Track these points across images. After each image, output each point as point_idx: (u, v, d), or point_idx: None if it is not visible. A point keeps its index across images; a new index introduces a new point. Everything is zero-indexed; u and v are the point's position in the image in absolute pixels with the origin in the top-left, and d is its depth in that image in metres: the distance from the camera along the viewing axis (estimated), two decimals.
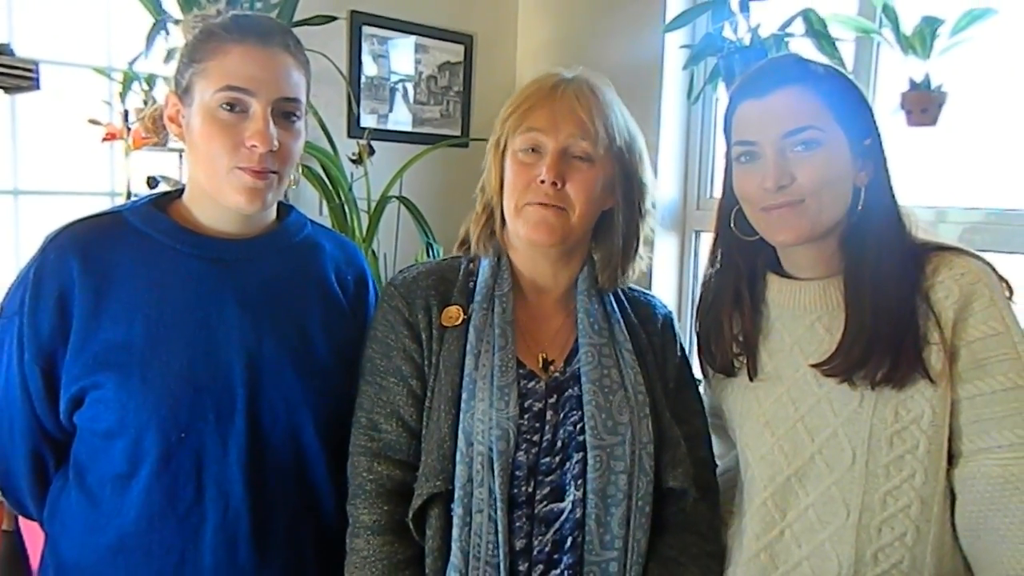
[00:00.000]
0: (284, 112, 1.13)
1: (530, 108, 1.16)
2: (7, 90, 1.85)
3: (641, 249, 1.25)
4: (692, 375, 1.30)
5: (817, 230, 1.12)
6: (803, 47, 1.90)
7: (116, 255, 1.12)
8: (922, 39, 1.78)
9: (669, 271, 2.47)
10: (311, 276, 1.24)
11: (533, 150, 1.15)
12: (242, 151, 1.10)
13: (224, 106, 1.09)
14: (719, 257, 1.25)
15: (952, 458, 1.10)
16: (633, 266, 1.25)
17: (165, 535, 1.11)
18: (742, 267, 1.22)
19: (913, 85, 1.81)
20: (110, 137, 2.06)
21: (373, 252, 2.26)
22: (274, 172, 1.13)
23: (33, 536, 1.48)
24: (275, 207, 1.25)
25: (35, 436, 1.16)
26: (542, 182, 1.13)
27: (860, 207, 1.12)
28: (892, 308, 1.08)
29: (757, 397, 1.20)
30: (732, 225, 1.20)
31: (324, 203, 2.20)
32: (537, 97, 1.16)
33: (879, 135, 1.13)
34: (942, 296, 1.07)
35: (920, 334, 1.08)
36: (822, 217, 1.11)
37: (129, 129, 2.06)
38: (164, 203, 1.20)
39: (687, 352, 1.32)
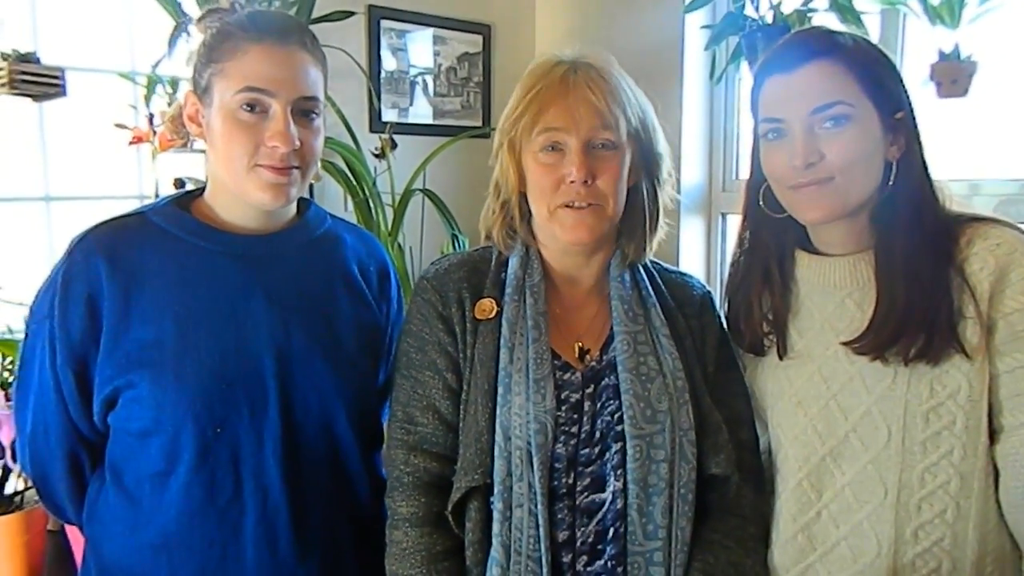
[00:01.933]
0: (303, 110, 1.13)
1: (543, 106, 1.12)
2: (35, 98, 1.88)
3: (661, 218, 1.23)
4: (733, 356, 1.27)
5: (847, 207, 1.10)
6: (827, 22, 1.86)
7: (142, 255, 1.13)
8: (950, 8, 1.73)
9: (696, 254, 2.45)
10: (334, 269, 1.25)
11: (553, 148, 1.13)
12: (263, 150, 1.10)
13: (244, 107, 1.10)
14: (748, 236, 1.23)
15: (994, 434, 1.07)
16: (656, 237, 1.23)
17: (206, 530, 1.13)
18: (771, 245, 1.20)
19: (942, 56, 1.76)
20: (137, 140, 2.08)
21: (399, 246, 2.27)
22: (296, 168, 1.13)
23: (78, 537, 1.51)
24: (295, 202, 1.25)
25: (71, 439, 1.17)
26: (572, 182, 1.11)
27: (891, 182, 1.10)
28: (925, 283, 1.06)
29: (788, 376, 1.19)
30: (761, 203, 1.18)
31: (349, 198, 2.20)
32: (548, 93, 1.12)
33: (911, 107, 1.10)
34: (977, 268, 1.05)
35: (955, 308, 1.05)
36: (852, 194, 1.09)
37: (155, 132, 2.08)
38: (186, 202, 1.21)
39: (727, 332, 1.29)
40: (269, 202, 1.13)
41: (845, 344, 1.11)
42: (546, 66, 1.16)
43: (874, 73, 1.08)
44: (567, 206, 1.13)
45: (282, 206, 1.17)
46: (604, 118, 1.11)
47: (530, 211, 1.20)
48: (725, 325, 1.28)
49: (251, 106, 1.09)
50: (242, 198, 1.15)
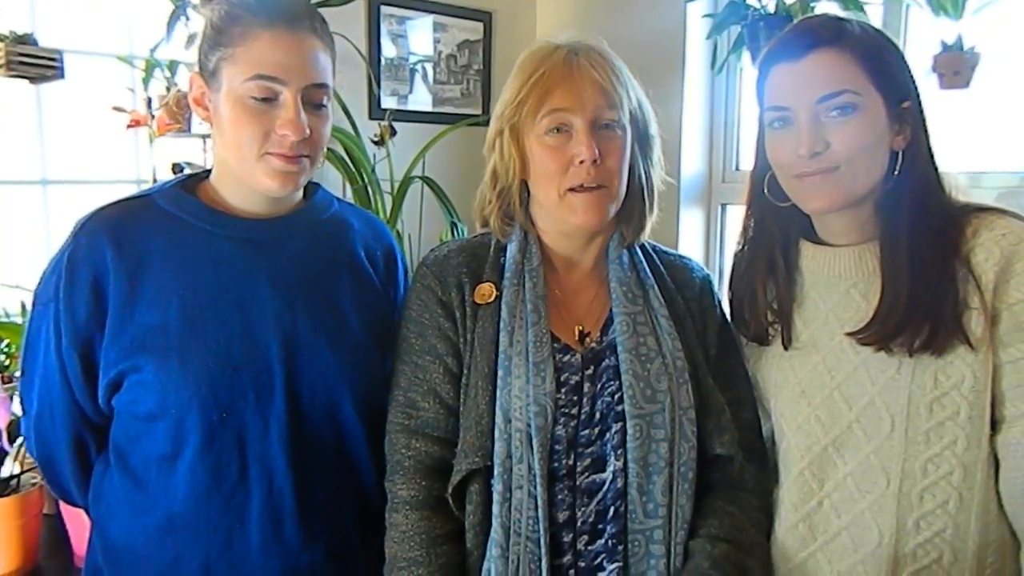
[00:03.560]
0: (313, 97, 1.12)
1: (548, 88, 1.12)
2: (32, 80, 1.87)
3: (656, 200, 1.24)
4: (734, 339, 1.28)
5: (852, 197, 1.10)
6: (830, 12, 1.86)
7: (148, 239, 1.12)
8: None
9: (695, 244, 2.45)
10: (341, 253, 1.24)
11: (559, 130, 1.13)
12: (273, 138, 1.09)
13: (254, 95, 1.08)
14: (752, 225, 1.23)
15: (995, 424, 1.08)
16: (653, 218, 1.24)
17: (212, 514, 1.12)
18: (776, 234, 1.20)
19: (945, 47, 1.76)
20: (135, 124, 2.07)
21: (398, 232, 2.26)
22: (305, 156, 1.12)
23: (74, 520, 1.51)
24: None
25: (76, 421, 1.17)
26: (581, 162, 1.12)
27: (897, 172, 1.09)
28: (930, 274, 1.06)
29: (792, 366, 1.19)
30: (766, 191, 1.18)
31: (347, 185, 2.20)
32: (553, 75, 1.12)
33: (918, 96, 1.10)
34: (982, 258, 1.05)
35: (960, 299, 1.05)
36: (857, 184, 1.08)
37: (153, 116, 2.07)
38: (191, 185, 1.20)
39: (727, 316, 1.30)
40: (277, 190, 1.13)
41: (850, 335, 1.11)
42: (545, 50, 1.16)
43: (881, 62, 1.07)
44: (574, 189, 1.13)
45: (290, 193, 1.16)
46: (610, 97, 1.12)
47: (527, 197, 1.21)
48: (729, 315, 1.29)
49: (263, 93, 1.08)
50: (250, 185, 1.14)
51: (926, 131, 1.10)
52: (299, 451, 1.14)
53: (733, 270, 1.28)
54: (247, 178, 1.13)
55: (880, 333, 1.08)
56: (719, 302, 1.28)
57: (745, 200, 1.24)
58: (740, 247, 1.26)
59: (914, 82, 1.10)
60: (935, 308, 1.05)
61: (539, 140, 1.15)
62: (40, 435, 1.19)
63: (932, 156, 1.10)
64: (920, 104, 1.10)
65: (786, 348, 1.19)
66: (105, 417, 1.17)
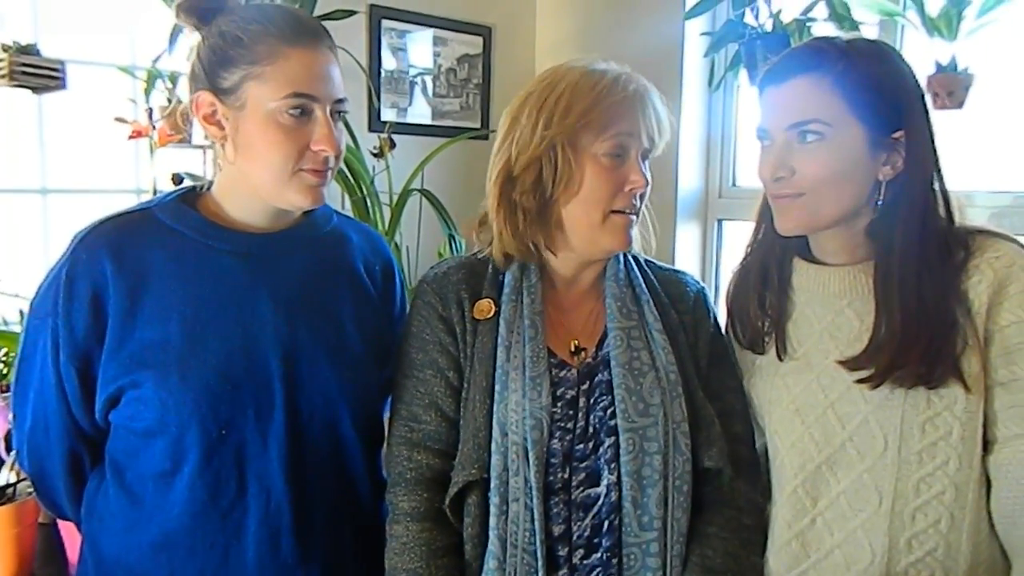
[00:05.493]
0: (337, 112, 1.13)
1: (615, 113, 1.13)
2: (34, 90, 1.88)
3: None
4: (726, 351, 1.29)
5: (818, 223, 1.11)
6: (826, 32, 1.88)
7: (148, 253, 1.12)
8: (948, 21, 1.75)
9: (692, 260, 2.46)
10: (340, 268, 1.24)
11: (617, 155, 1.15)
12: (308, 155, 1.10)
13: (290, 112, 1.08)
14: (760, 235, 1.24)
15: (987, 444, 1.09)
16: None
17: (208, 531, 1.12)
18: (776, 247, 1.22)
19: (939, 68, 1.78)
20: (136, 135, 2.08)
21: (396, 245, 2.27)
22: (329, 168, 1.14)
23: (69, 530, 1.50)
24: None
25: (71, 436, 1.16)
26: (631, 189, 1.15)
27: (880, 202, 1.09)
28: (925, 303, 1.05)
29: (786, 384, 1.19)
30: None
31: (346, 197, 2.21)
32: (616, 99, 1.13)
33: (920, 126, 1.08)
34: (976, 281, 1.06)
35: (955, 332, 1.05)
36: (822, 212, 1.10)
37: (154, 127, 2.08)
38: (191, 198, 1.19)
39: (720, 328, 1.31)
40: (310, 204, 1.14)
41: (841, 363, 1.12)
42: (610, 77, 1.14)
43: (867, 91, 1.06)
44: (620, 211, 1.16)
45: (316, 206, 1.16)
46: (662, 128, 1.17)
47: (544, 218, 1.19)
48: (726, 316, 1.30)
49: (298, 110, 1.08)
50: (276, 201, 1.14)
51: (925, 161, 1.08)
52: (297, 467, 1.14)
53: (735, 274, 1.29)
54: (275, 196, 1.13)
55: (875, 372, 1.08)
56: (713, 315, 1.30)
57: (757, 210, 1.25)
58: (746, 254, 1.27)
59: (914, 111, 1.08)
60: (932, 348, 1.04)
61: (595, 160, 1.14)
62: (33, 449, 1.19)
63: (932, 184, 1.09)
64: (921, 133, 1.08)
65: (781, 358, 1.20)
66: (101, 431, 1.16)
